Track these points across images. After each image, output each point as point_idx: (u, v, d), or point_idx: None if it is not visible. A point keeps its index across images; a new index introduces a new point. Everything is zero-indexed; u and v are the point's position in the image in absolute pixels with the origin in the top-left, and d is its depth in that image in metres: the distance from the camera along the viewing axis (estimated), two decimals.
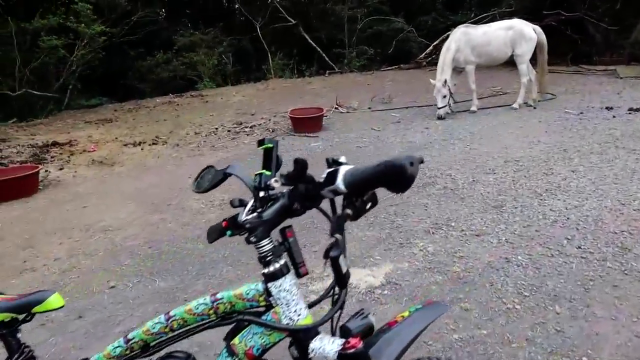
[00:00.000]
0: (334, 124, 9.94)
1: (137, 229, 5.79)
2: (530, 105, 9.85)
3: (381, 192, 1.26)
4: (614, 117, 8.62)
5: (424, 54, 16.75)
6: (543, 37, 9.68)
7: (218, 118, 11.37)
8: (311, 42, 17.94)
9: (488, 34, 9.61)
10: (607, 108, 9.28)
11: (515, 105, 9.79)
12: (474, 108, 9.87)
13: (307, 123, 9.33)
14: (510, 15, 16.19)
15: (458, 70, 9.87)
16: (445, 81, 9.27)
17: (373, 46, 18.23)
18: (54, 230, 5.84)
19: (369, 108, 11.05)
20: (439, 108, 9.50)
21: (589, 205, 5.15)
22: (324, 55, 17.85)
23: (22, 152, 9.66)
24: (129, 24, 15.81)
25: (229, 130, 10.07)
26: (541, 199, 5.42)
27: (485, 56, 9.67)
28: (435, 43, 16.26)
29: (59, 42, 13.58)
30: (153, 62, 16.90)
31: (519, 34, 9.52)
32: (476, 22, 15.77)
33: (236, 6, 18.29)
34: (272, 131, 9.67)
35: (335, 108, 11.04)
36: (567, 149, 7.04)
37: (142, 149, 9.38)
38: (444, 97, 9.40)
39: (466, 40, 9.51)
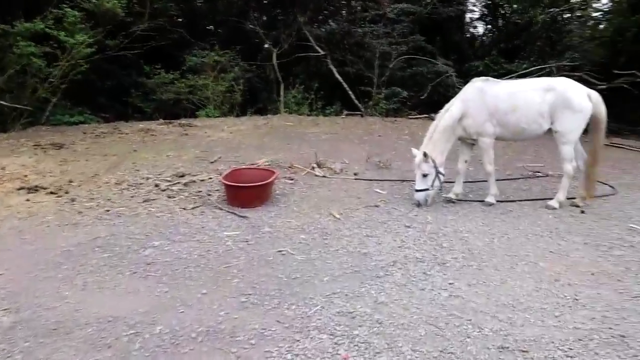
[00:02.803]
0: (291, 195, 6.63)
1: None
2: (577, 206, 6.20)
3: None
4: None
5: None
6: (602, 108, 6.02)
7: (171, 161, 8.29)
8: (338, 76, 14.68)
9: (515, 95, 6.03)
10: None
11: (553, 204, 6.17)
12: (490, 199, 6.30)
13: (242, 194, 6.06)
14: (572, 71, 12.44)
15: (469, 142, 6.36)
16: (426, 154, 5.84)
17: (408, 89, 14.80)
18: None
19: (355, 174, 7.65)
20: (417, 191, 6.07)
21: None
22: (350, 93, 14.54)
23: None
24: (130, 35, 13.06)
25: (156, 185, 6.93)
26: None
27: (508, 127, 6.09)
28: None
29: (36, 49, 10.94)
30: (159, 81, 14.05)
31: (562, 101, 5.89)
32: (528, 75, 12.15)
33: (257, 30, 15.19)
34: (203, 196, 6.45)
35: (312, 168, 7.71)
36: (630, 336, 3.43)
37: (27, 199, 6.38)
38: (425, 176, 5.97)
39: (481, 101, 5.99)
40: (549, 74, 12.28)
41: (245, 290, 4.00)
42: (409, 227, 5.47)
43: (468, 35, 20.15)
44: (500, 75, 12.50)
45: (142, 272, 4.33)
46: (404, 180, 7.30)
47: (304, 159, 8.27)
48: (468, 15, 19.65)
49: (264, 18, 17.48)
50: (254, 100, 15.24)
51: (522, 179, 7.72)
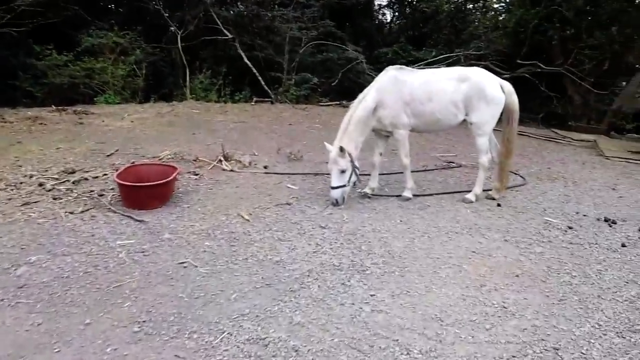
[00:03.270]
0: (196, 193, 5.94)
1: None
2: (493, 199, 6.02)
3: None
4: (624, 246, 4.82)
5: None
6: (514, 98, 5.83)
7: (60, 154, 7.29)
8: (247, 61, 13.92)
9: (429, 84, 5.67)
10: (606, 220, 5.51)
11: (470, 197, 5.94)
12: (407, 194, 5.97)
13: (139, 195, 5.31)
14: (478, 60, 12.52)
15: (384, 133, 5.97)
16: (342, 149, 5.38)
17: (318, 75, 14.38)
18: None
19: (265, 167, 7.08)
20: (333, 188, 5.56)
21: None
22: (259, 78, 13.84)
23: None
24: (13, 11, 11.54)
25: (40, 184, 5.98)
26: None
27: (423, 118, 5.71)
28: None
29: None
30: (50, 62, 12.56)
31: (476, 91, 5.62)
32: (435, 63, 12.08)
33: (161, 10, 14.02)
34: (94, 197, 5.61)
35: (219, 162, 7.05)
36: (563, 347, 3.16)
37: None
38: (342, 172, 5.47)
39: (396, 90, 5.59)
40: (457, 62, 12.28)
41: (139, 317, 3.34)
42: (324, 227, 4.99)
43: (377, 22, 20.05)
44: (409, 63, 12.35)
45: (11, 299, 3.52)
46: (316, 174, 6.83)
47: (210, 151, 7.59)
48: (377, 2, 19.54)
49: None
50: (159, 86, 14.16)
51: (436, 169, 7.50)
